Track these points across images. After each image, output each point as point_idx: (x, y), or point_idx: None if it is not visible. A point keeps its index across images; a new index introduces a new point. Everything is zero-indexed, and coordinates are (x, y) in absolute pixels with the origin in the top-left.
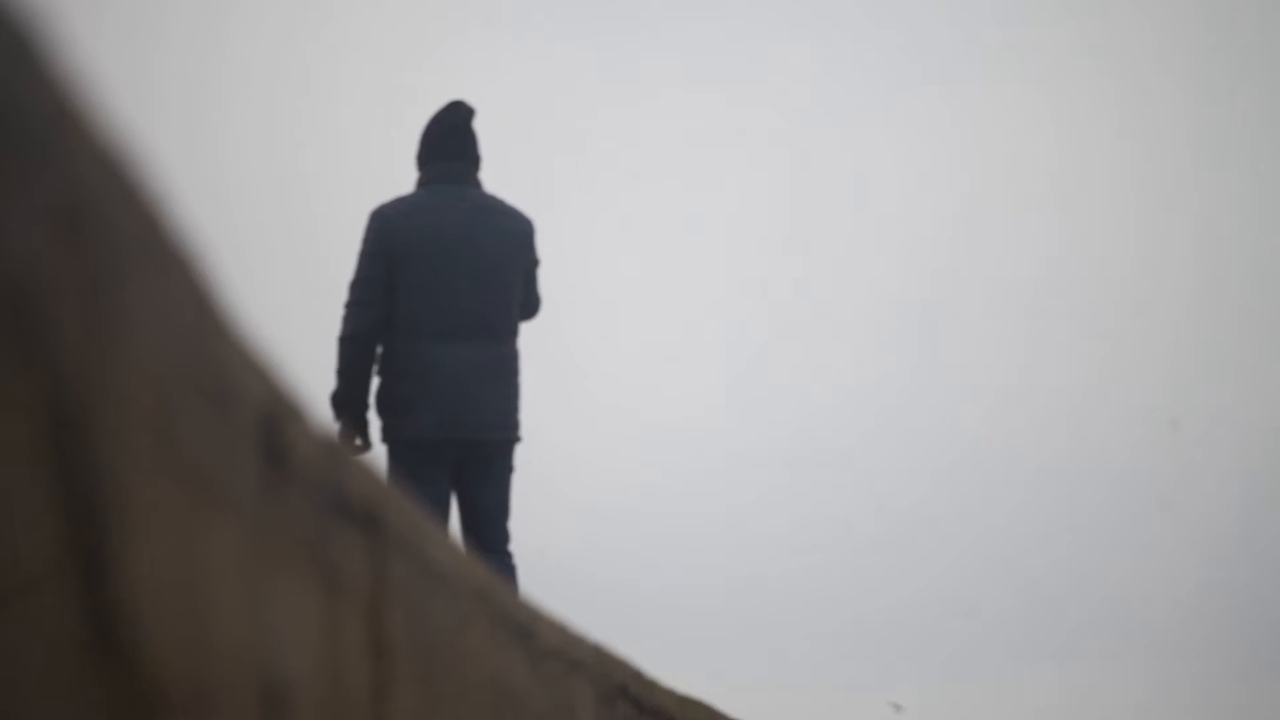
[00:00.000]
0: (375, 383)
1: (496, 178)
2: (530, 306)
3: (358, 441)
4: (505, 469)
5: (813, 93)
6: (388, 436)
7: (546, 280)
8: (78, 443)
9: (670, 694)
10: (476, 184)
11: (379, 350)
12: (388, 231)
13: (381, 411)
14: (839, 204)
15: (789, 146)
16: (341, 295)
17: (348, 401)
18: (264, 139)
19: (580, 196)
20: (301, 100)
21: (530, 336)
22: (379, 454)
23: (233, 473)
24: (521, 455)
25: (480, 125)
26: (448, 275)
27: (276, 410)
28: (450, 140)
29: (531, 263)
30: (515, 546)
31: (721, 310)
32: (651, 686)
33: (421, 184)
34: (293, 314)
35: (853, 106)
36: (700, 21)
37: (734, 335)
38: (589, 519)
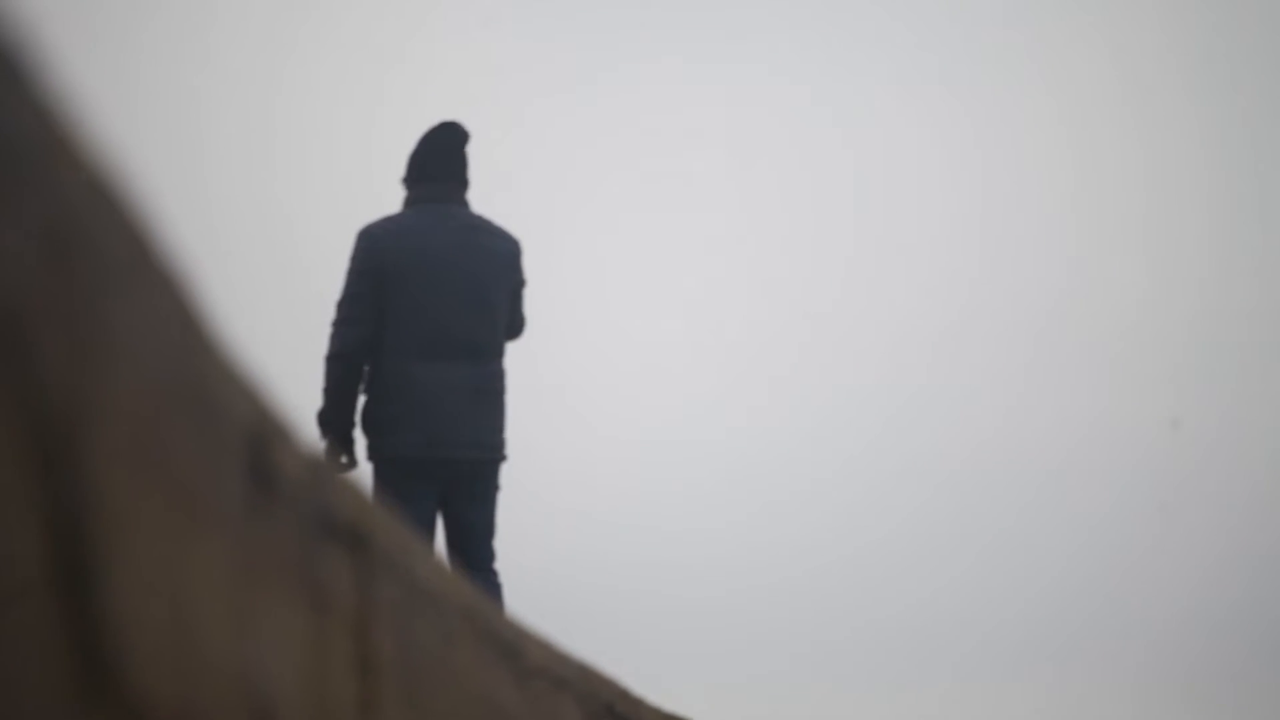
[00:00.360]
0: (361, 401)
1: (493, 183)
2: (515, 327)
3: (343, 460)
4: (491, 488)
5: (813, 95)
6: (374, 455)
7: (550, 289)
8: (63, 459)
9: (657, 712)
10: (464, 203)
11: (366, 369)
12: (377, 250)
13: (368, 430)
14: (843, 208)
15: (792, 150)
16: (328, 312)
17: (334, 420)
18: (248, 154)
19: (580, 202)
20: (286, 114)
21: (534, 348)
22: (365, 472)
23: (219, 490)
24: (528, 470)
25: (472, 132)
26: (436, 295)
27: (263, 429)
28: (442, 161)
29: (518, 283)
30: (521, 562)
31: (725, 319)
32: (638, 705)
33: (409, 203)
34: (279, 332)
35: (859, 108)
36: (702, 22)
37: (738, 344)
38: (593, 530)
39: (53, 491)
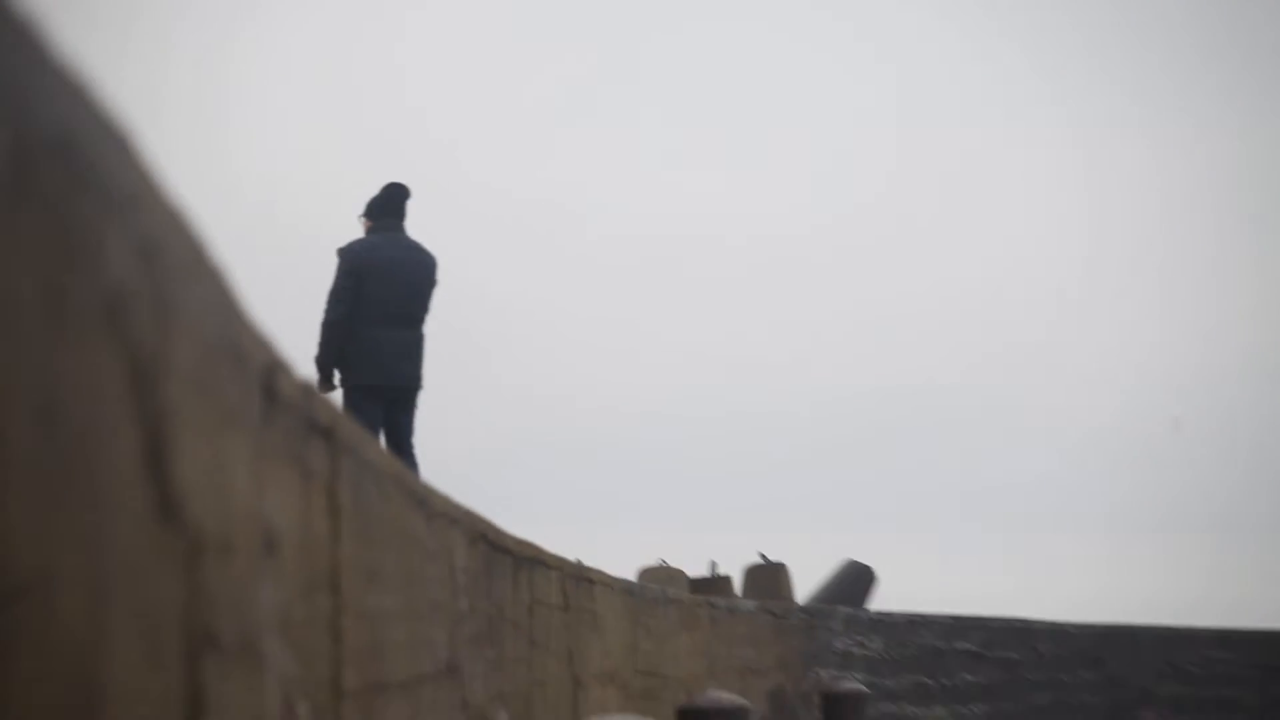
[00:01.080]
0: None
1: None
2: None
3: (327, 386)
4: (414, 404)
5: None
6: (345, 383)
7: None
8: (151, 386)
9: (512, 537)
10: (404, 231)
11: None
12: (357, 259)
13: (343, 368)
14: (842, 213)
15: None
16: (316, 298)
17: (325, 362)
18: (259, 187)
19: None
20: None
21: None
22: (338, 395)
23: (245, 404)
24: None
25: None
26: (391, 287)
27: (273, 366)
28: (396, 205)
29: (435, 283)
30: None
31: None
32: (500, 533)
33: (373, 230)
34: (284, 308)
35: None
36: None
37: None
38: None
39: (145, 407)
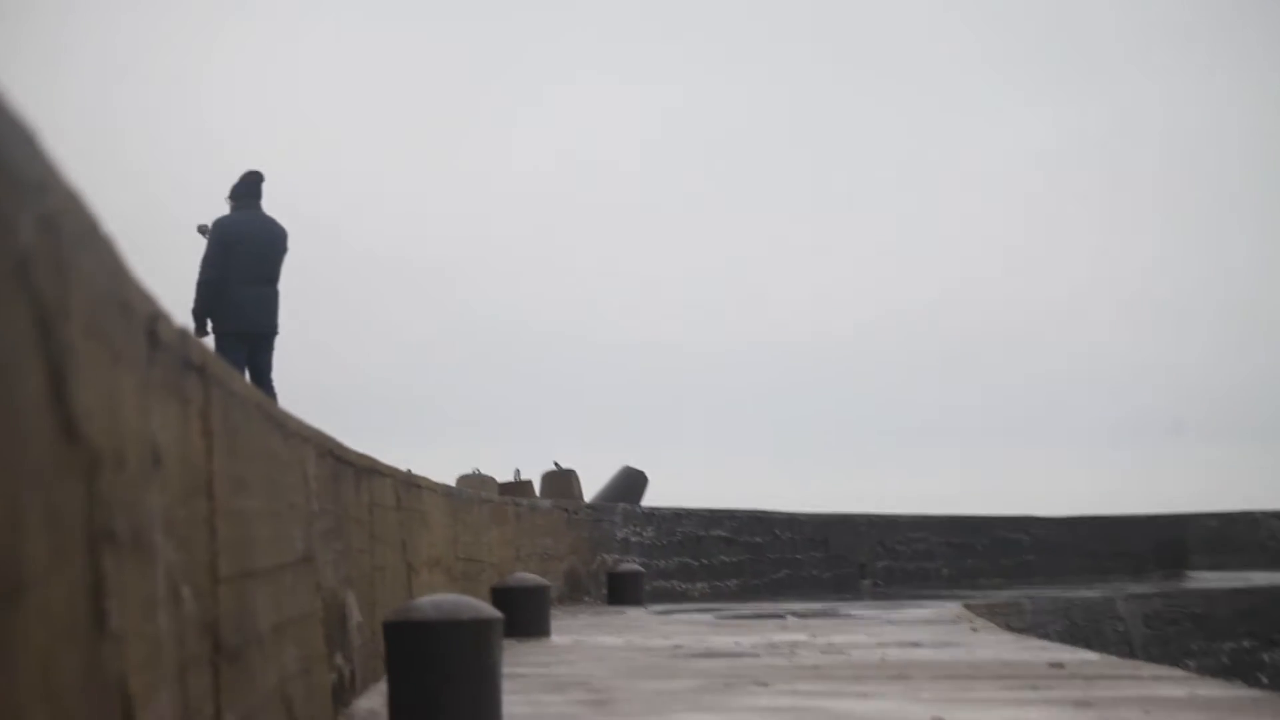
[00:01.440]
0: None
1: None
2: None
3: (202, 332)
4: (271, 347)
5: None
6: (217, 330)
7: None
8: (53, 331)
9: (353, 452)
10: (260, 208)
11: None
12: (226, 231)
13: (215, 318)
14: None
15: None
16: (192, 264)
17: (200, 313)
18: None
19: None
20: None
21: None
22: (210, 340)
23: (133, 346)
24: None
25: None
26: (253, 252)
27: (155, 315)
28: (254, 187)
29: (287, 249)
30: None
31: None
32: (344, 449)
33: (236, 208)
34: (167, 270)
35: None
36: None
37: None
38: None
39: (48, 348)
